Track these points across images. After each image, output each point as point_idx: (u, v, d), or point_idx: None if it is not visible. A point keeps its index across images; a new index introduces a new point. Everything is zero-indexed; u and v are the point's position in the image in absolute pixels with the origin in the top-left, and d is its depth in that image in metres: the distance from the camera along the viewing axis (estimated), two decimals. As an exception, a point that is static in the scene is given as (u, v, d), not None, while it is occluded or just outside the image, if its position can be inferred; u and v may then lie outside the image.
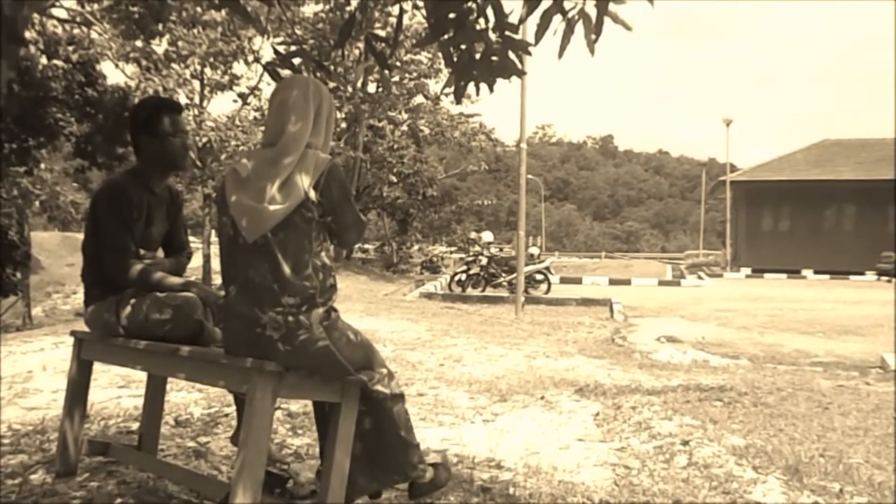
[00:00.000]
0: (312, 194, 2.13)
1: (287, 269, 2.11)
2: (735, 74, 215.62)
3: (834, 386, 5.46)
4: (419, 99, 24.56)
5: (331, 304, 2.19)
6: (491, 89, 2.66)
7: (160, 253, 2.93)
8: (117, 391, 4.53)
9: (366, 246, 28.49)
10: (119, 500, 2.59)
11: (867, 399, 4.92)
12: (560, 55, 2.45)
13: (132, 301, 2.64)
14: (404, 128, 24.64)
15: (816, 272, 24.67)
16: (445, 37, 2.58)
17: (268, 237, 2.11)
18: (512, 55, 2.60)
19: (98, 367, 3.04)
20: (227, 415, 3.89)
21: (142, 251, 2.76)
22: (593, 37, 2.40)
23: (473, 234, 19.63)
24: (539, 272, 16.01)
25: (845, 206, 26.85)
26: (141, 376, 3.85)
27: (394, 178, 24.35)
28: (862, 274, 23.60)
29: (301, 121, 2.21)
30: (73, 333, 2.91)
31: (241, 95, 20.81)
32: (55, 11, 14.66)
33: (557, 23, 2.41)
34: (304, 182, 2.13)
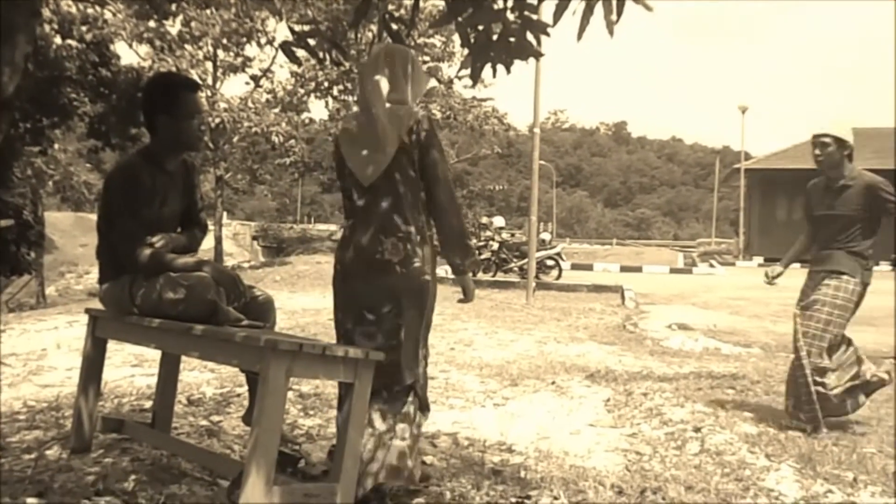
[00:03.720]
0: (407, 140, 2.42)
1: (406, 202, 2.43)
2: (751, 64, 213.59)
3: (847, 375, 5.41)
4: (432, 82, 24.42)
5: (433, 244, 2.52)
6: (508, 70, 2.63)
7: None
8: (130, 370, 4.57)
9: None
10: (133, 477, 2.61)
11: (881, 389, 4.87)
12: (579, 37, 2.41)
13: (146, 280, 2.64)
14: (417, 111, 24.52)
15: (830, 261, 24.43)
16: (463, 17, 2.55)
17: (384, 177, 2.42)
18: (530, 36, 2.56)
19: (111, 346, 3.06)
20: (239, 394, 3.92)
21: (152, 238, 2.68)
22: (614, 17, 2.36)
23: (485, 219, 19.53)
24: (550, 258, 15.94)
25: (860, 195, 26.53)
26: (154, 355, 3.88)
27: (405, 162, 24.28)
28: (876, 264, 23.36)
29: (377, 83, 2.49)
30: (87, 311, 2.92)
31: (253, 78, 20.82)
32: (69, -9, 14.66)
33: (576, 3, 2.38)
34: (402, 129, 2.42)
